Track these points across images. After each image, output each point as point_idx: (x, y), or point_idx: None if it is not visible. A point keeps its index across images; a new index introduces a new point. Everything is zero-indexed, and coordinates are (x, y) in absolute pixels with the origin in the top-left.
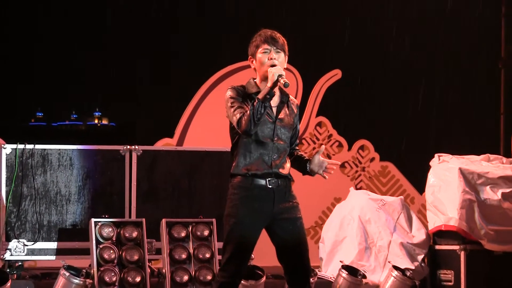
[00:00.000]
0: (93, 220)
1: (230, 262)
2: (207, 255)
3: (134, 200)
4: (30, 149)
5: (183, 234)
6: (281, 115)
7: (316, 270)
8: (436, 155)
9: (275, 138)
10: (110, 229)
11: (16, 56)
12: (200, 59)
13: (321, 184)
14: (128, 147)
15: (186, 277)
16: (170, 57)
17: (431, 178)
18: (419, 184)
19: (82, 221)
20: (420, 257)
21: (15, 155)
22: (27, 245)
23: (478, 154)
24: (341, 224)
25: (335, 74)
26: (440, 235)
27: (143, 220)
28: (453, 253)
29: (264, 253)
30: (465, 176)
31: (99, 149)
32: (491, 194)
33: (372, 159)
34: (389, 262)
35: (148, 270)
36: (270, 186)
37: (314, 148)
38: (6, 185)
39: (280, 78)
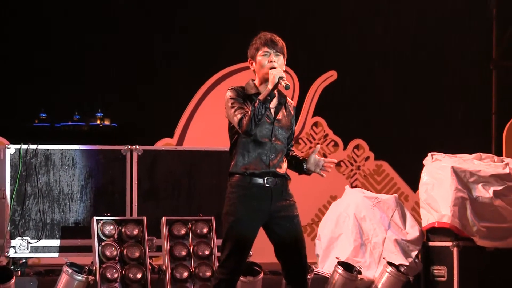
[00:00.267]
0: (95, 218)
1: (229, 259)
2: (207, 252)
3: (135, 199)
4: (33, 149)
5: (183, 232)
6: (279, 116)
7: (313, 266)
8: (429, 154)
9: (273, 138)
10: (112, 227)
11: (20, 58)
12: (199, 60)
13: (317, 182)
14: (129, 147)
15: (186, 274)
16: (170, 58)
17: (425, 176)
18: (413, 182)
19: (85, 219)
20: (414, 254)
21: (19, 155)
22: (31, 243)
23: (470, 153)
24: (337, 221)
25: (331, 75)
26: (433, 232)
27: (144, 218)
28: (446, 250)
29: (262, 250)
30: (457, 174)
31: (101, 149)
32: (483, 192)
33: (367, 158)
34: (383, 258)
35: (149, 267)
36: (267, 185)
37: (310, 148)
38: (10, 184)
39: (281, 80)
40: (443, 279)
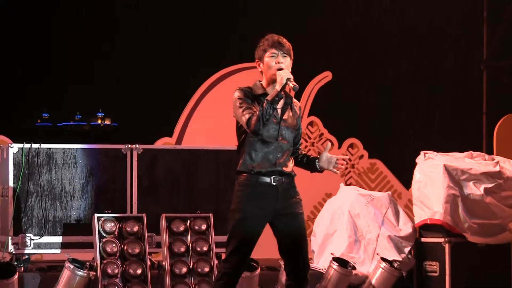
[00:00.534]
0: (96, 215)
1: (233, 255)
2: (205, 248)
3: (135, 196)
4: (36, 148)
5: (181, 229)
6: (285, 116)
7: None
8: (422, 152)
9: (280, 138)
10: (113, 224)
11: (22, 59)
12: (197, 62)
13: (312, 180)
14: (129, 146)
15: (184, 269)
16: (170, 58)
17: (417, 174)
18: (406, 180)
19: (86, 216)
20: (407, 249)
21: (22, 154)
22: (33, 239)
23: (462, 152)
24: (331, 218)
25: (326, 76)
26: (426, 228)
27: (144, 215)
28: (438, 246)
29: (259, 246)
30: (449, 172)
31: (102, 148)
32: (474, 189)
33: (361, 157)
34: (377, 254)
35: (149, 263)
36: (274, 184)
37: (306, 147)
38: (13, 183)
39: (288, 82)
40: (435, 274)
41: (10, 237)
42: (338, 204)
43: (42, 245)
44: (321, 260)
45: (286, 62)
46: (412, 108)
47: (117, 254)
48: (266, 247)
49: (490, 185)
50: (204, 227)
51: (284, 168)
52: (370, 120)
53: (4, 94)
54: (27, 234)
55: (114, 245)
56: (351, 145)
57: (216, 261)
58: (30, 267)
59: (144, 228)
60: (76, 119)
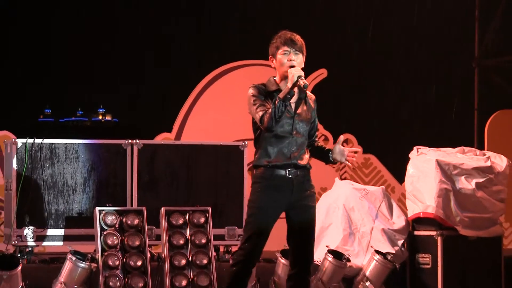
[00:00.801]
0: (97, 208)
1: (247, 243)
2: (203, 241)
3: (136, 190)
4: (39, 143)
5: (181, 222)
6: (299, 111)
7: None
8: (415, 147)
9: (294, 132)
10: (113, 217)
11: (26, 58)
12: (196, 59)
13: None
14: (130, 141)
15: (183, 261)
16: (170, 57)
17: (410, 169)
18: (399, 174)
19: (87, 210)
20: (400, 242)
21: (25, 149)
22: (36, 232)
23: (454, 147)
24: (327, 212)
25: (321, 73)
26: (419, 221)
27: (144, 208)
28: (430, 238)
29: None
30: (441, 167)
31: (103, 143)
32: (466, 184)
33: (355, 152)
34: (371, 246)
35: (149, 255)
36: (289, 176)
37: None
38: (17, 177)
39: (299, 79)
40: (427, 266)
41: (13, 230)
42: (333, 198)
43: (45, 237)
44: (316, 253)
45: (298, 59)
46: (406, 104)
47: (118, 247)
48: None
49: (481, 180)
50: (202, 220)
51: (299, 161)
52: (364, 116)
53: (8, 91)
54: (30, 227)
55: (115, 237)
56: (346, 141)
57: (214, 254)
58: (33, 259)
59: (144, 221)
60: (78, 115)
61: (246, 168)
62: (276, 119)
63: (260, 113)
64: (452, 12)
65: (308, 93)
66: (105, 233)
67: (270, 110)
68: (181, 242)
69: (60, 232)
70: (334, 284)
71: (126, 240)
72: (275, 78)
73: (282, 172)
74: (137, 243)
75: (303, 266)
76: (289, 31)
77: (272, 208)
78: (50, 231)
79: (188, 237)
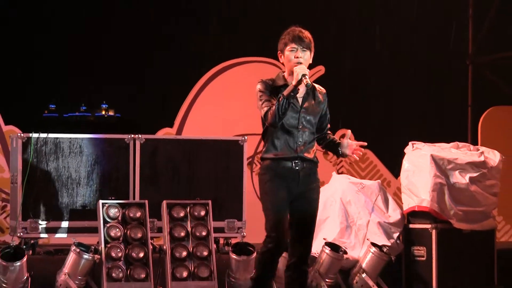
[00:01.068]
0: (100, 201)
1: (274, 230)
2: (204, 233)
3: (138, 184)
4: (43, 137)
5: (182, 214)
6: (306, 105)
7: None
8: (410, 143)
9: (300, 126)
10: (116, 210)
11: (30, 54)
12: (197, 55)
13: None
14: (132, 136)
15: (184, 253)
16: (171, 55)
17: (406, 163)
18: (395, 169)
19: (91, 203)
20: (395, 235)
21: (31, 143)
22: (41, 224)
23: (448, 142)
24: (324, 205)
25: (319, 70)
26: (414, 215)
27: (146, 201)
28: (425, 231)
29: (255, 231)
30: (436, 162)
31: (106, 137)
32: (460, 178)
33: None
34: (367, 239)
35: (151, 247)
36: (296, 168)
37: None
38: (23, 170)
39: (303, 78)
40: (422, 258)
41: (19, 222)
42: (330, 192)
43: (50, 229)
44: (314, 245)
45: (306, 56)
46: (401, 101)
47: (121, 239)
48: (262, 231)
49: (475, 174)
50: (203, 213)
51: (305, 154)
52: (361, 112)
53: (14, 87)
54: (35, 219)
55: (117, 230)
56: (343, 136)
57: (214, 246)
58: (38, 250)
59: (146, 214)
60: (81, 110)
61: (245, 162)
62: (280, 116)
63: (265, 109)
64: (447, 12)
65: (318, 87)
66: (108, 225)
67: (273, 108)
68: (182, 234)
69: (64, 224)
70: (331, 275)
71: (128, 232)
72: (283, 74)
73: (289, 164)
74: (139, 235)
75: (302, 257)
76: (298, 27)
77: (283, 193)
78: (55, 224)
79: (189, 229)
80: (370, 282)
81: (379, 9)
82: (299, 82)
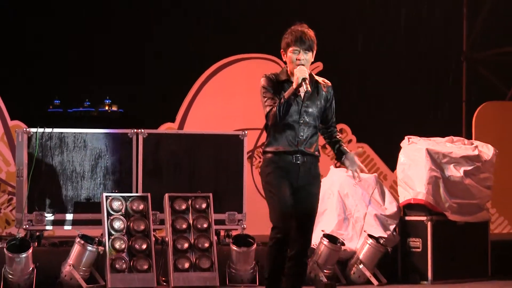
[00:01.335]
0: (104, 194)
1: (279, 220)
2: (205, 225)
3: (141, 177)
4: (48, 132)
5: (183, 207)
6: (308, 100)
7: None
8: (406, 137)
9: (302, 121)
10: (120, 203)
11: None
12: (199, 52)
13: None
14: (135, 130)
15: (186, 245)
16: (172, 51)
17: (402, 157)
18: (391, 162)
19: (95, 196)
20: (392, 227)
21: (36, 138)
22: (46, 217)
23: (443, 137)
24: (322, 198)
25: (317, 66)
26: (410, 207)
27: (149, 194)
28: (421, 224)
29: (255, 223)
30: (431, 156)
31: (110, 132)
32: (454, 172)
33: (350, 141)
34: (364, 231)
35: (153, 239)
36: (297, 162)
37: None
38: (28, 164)
39: (303, 83)
40: (418, 250)
41: (24, 215)
42: (328, 185)
43: (55, 222)
44: (312, 237)
45: (308, 57)
46: (398, 96)
47: (124, 231)
48: (262, 224)
49: (469, 168)
50: (204, 205)
51: (306, 149)
52: (358, 107)
53: (19, 83)
54: (40, 212)
55: (121, 222)
56: (340, 130)
57: (215, 237)
58: (43, 242)
59: (149, 206)
60: (85, 105)
61: (245, 156)
62: (281, 117)
63: (268, 109)
64: (442, 10)
65: (323, 80)
66: (111, 218)
67: (275, 107)
68: (184, 226)
69: (69, 217)
70: (329, 266)
71: (131, 224)
72: (287, 69)
73: (289, 157)
74: (142, 227)
75: (302, 249)
76: (301, 27)
77: (285, 185)
78: (59, 216)
79: (191, 221)
80: (367, 273)
81: (375, 6)
82: (299, 85)
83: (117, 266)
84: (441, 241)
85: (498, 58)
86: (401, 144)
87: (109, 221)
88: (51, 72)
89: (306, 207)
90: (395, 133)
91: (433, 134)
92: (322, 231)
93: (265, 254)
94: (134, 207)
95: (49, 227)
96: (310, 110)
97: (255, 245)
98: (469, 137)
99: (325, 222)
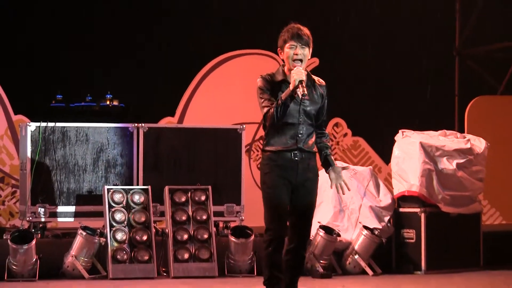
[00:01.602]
0: (106, 187)
1: (271, 223)
2: (204, 217)
3: (141, 170)
4: (51, 126)
5: (183, 199)
6: (307, 99)
7: None
8: (400, 131)
9: (301, 119)
10: (121, 195)
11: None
12: (198, 48)
13: None
14: (136, 124)
15: (186, 236)
16: (173, 43)
17: (396, 150)
18: (386, 156)
19: (97, 188)
20: (386, 218)
21: (39, 132)
22: (49, 209)
23: (436, 130)
24: (318, 190)
25: (313, 62)
26: (404, 199)
27: (149, 187)
28: (414, 215)
29: (253, 215)
30: (425, 149)
31: (111, 126)
32: (447, 164)
33: (345, 135)
34: (360, 222)
35: (153, 230)
36: (295, 159)
37: None
38: (31, 158)
39: (300, 86)
40: (412, 240)
41: (28, 207)
42: (324, 178)
43: (57, 214)
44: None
45: (305, 52)
46: (392, 90)
47: (125, 222)
48: (259, 215)
49: (461, 161)
50: (203, 198)
51: (304, 146)
52: (354, 102)
53: (23, 79)
54: (43, 204)
55: (122, 214)
56: (336, 124)
57: (214, 229)
58: (46, 234)
59: (149, 198)
60: (87, 100)
61: (244, 149)
62: (278, 118)
63: (265, 110)
64: (435, 6)
65: (318, 79)
66: (113, 210)
67: (272, 109)
68: (184, 218)
69: (71, 209)
70: (325, 257)
71: (132, 216)
72: (283, 68)
73: (288, 154)
74: (143, 219)
75: (301, 242)
76: (297, 24)
77: (283, 185)
78: (62, 208)
79: (190, 213)
80: (362, 263)
81: (371, 3)
82: (296, 87)
83: (118, 257)
84: (434, 232)
85: (490, 54)
86: (395, 138)
87: (110, 213)
88: (53, 68)
89: (305, 204)
90: (390, 127)
91: (426, 127)
92: (319, 222)
93: (261, 257)
94: (135, 200)
95: (52, 219)
96: (308, 109)
97: (253, 236)
98: (461, 130)
99: (321, 214)
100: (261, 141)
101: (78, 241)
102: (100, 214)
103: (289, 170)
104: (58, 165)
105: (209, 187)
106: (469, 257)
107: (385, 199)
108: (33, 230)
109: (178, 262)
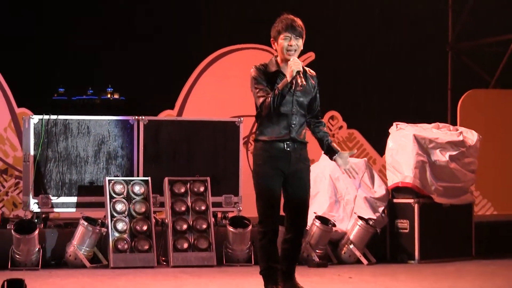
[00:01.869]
0: (107, 178)
1: (264, 214)
2: (203, 208)
3: (142, 162)
4: (54, 119)
5: (182, 190)
6: (298, 89)
7: None
8: (394, 123)
9: (293, 110)
10: (122, 186)
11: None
12: (196, 42)
13: None
14: (136, 117)
15: (185, 226)
16: (171, 40)
17: (390, 142)
18: (380, 148)
19: (98, 179)
20: (381, 209)
21: (42, 125)
22: (52, 200)
23: (430, 123)
24: (314, 181)
25: (309, 56)
26: (398, 190)
27: (149, 178)
28: (408, 206)
29: (250, 206)
30: (418, 141)
31: (112, 119)
32: (440, 156)
33: (340, 127)
34: (355, 213)
35: (153, 220)
36: (288, 149)
37: None
38: (34, 150)
39: (297, 76)
40: (405, 231)
41: (31, 197)
42: (320, 169)
43: (60, 204)
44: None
45: (299, 43)
46: (386, 84)
47: (126, 213)
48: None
49: (454, 153)
50: (202, 189)
51: (297, 136)
52: (349, 95)
53: (26, 73)
54: (46, 195)
55: (123, 204)
56: (332, 117)
57: (212, 219)
58: (49, 224)
59: (149, 189)
60: (88, 93)
61: (241, 141)
62: (275, 108)
63: (261, 100)
64: (429, 2)
65: (308, 69)
66: (114, 200)
67: (268, 98)
68: (183, 208)
69: (73, 199)
70: (321, 246)
71: (133, 207)
72: (276, 58)
73: (281, 144)
74: (143, 209)
75: (298, 231)
76: (290, 15)
77: (275, 175)
78: (64, 199)
79: (189, 204)
80: (357, 253)
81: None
82: (294, 77)
83: (119, 246)
84: (428, 222)
85: (482, 48)
86: (390, 130)
87: (111, 204)
88: (56, 62)
89: (299, 193)
90: (384, 119)
91: (420, 120)
92: (314, 213)
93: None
94: (135, 190)
95: (54, 210)
96: (301, 99)
97: (250, 226)
98: (454, 123)
99: (317, 205)
100: None
101: (80, 231)
102: (101, 205)
103: (281, 160)
104: (60, 157)
105: (208, 178)
106: (461, 247)
107: (380, 190)
108: (36, 220)
109: (177, 251)
